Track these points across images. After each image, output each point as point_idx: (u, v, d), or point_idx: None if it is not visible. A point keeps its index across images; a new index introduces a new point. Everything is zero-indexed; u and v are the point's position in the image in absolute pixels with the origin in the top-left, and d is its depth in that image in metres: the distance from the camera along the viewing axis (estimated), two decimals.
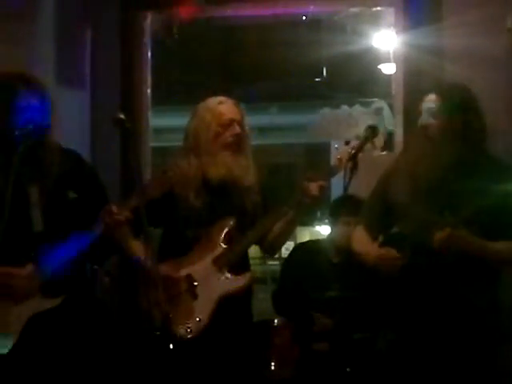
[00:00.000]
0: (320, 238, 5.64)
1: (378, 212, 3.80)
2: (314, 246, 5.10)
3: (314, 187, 3.85)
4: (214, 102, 4.07)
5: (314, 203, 3.90)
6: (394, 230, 3.80)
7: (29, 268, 3.46)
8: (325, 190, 3.89)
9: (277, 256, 6.20)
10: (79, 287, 3.63)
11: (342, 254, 4.74)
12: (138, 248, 3.80)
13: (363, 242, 3.81)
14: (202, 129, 4.02)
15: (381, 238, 3.82)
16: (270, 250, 4.21)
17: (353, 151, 3.82)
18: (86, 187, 3.66)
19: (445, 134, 3.53)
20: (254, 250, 4.12)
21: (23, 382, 3.45)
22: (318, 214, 5.26)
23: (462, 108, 3.56)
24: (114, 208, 3.52)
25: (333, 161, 3.94)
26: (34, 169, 3.54)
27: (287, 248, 5.58)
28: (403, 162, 3.71)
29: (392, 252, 3.55)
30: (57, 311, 3.50)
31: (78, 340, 3.55)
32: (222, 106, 4.03)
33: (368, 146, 3.82)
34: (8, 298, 3.45)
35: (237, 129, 3.99)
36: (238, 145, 4.01)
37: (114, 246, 3.71)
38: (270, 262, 6.30)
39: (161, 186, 3.66)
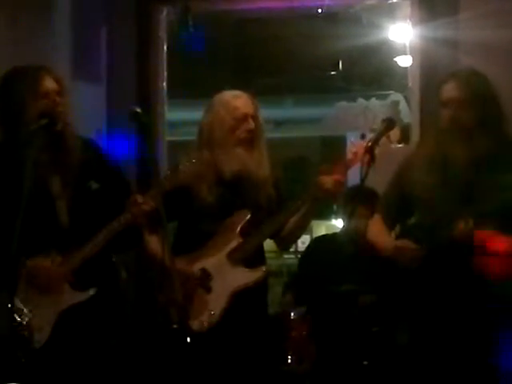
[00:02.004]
0: (336, 231, 5.64)
1: (396, 202, 3.79)
2: (332, 238, 5.10)
3: (328, 181, 3.84)
4: (228, 95, 4.06)
5: (329, 197, 3.89)
6: (411, 221, 3.79)
7: (55, 260, 3.49)
8: (341, 185, 3.87)
9: (292, 249, 6.21)
10: (107, 281, 3.66)
11: (357, 245, 4.73)
12: (154, 242, 3.80)
13: (380, 233, 3.79)
14: (217, 123, 4.00)
15: (397, 229, 3.81)
16: (285, 243, 4.21)
17: (369, 144, 3.80)
18: (108, 177, 3.69)
19: (472, 126, 3.50)
20: (269, 244, 4.12)
21: (56, 375, 3.48)
22: (335, 207, 5.23)
23: (483, 96, 3.53)
24: (140, 198, 3.55)
25: (348, 155, 3.93)
26: (54, 160, 3.57)
27: (303, 241, 5.58)
28: (424, 153, 3.67)
29: (409, 244, 3.53)
30: (88, 305, 3.52)
31: (107, 334, 3.59)
32: (237, 100, 4.02)
33: (384, 139, 3.80)
34: (40, 291, 3.47)
35: (251, 124, 3.97)
36: (252, 140, 3.99)
37: (138, 236, 3.73)
38: (286, 256, 6.30)
39: (175, 180, 3.67)
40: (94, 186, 3.64)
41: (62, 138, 3.58)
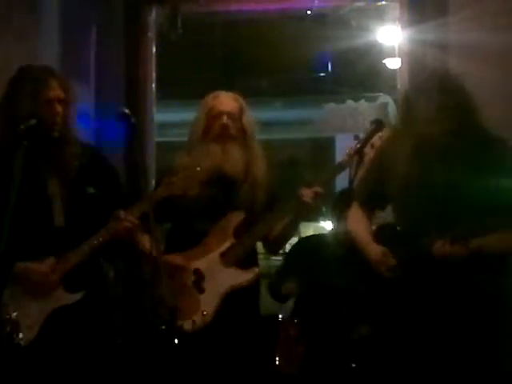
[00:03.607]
0: (322, 232, 5.64)
1: (375, 189, 3.78)
2: (317, 239, 5.10)
3: (308, 193, 3.84)
4: (209, 96, 4.08)
5: (308, 209, 3.90)
6: (388, 220, 3.80)
7: (50, 262, 3.49)
8: (319, 197, 3.88)
9: (281, 251, 6.20)
10: (96, 283, 3.66)
11: (345, 248, 4.73)
12: (145, 242, 3.79)
13: (359, 224, 3.79)
14: (194, 124, 4.04)
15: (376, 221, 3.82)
16: (273, 247, 4.21)
17: (358, 145, 3.81)
18: (105, 183, 3.69)
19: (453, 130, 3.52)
20: (257, 246, 4.12)
21: (41, 374, 3.48)
22: (323, 209, 5.24)
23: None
24: (122, 214, 3.56)
25: (342, 156, 3.93)
26: (52, 163, 3.57)
27: (291, 243, 5.57)
28: (405, 143, 3.66)
29: (389, 259, 3.54)
30: (76, 307, 3.52)
31: (93, 335, 3.58)
32: (215, 100, 4.03)
33: (376, 138, 3.81)
34: (29, 293, 3.47)
35: (224, 120, 3.97)
36: (227, 136, 3.98)
37: (125, 247, 3.74)
38: (274, 258, 6.30)
39: (169, 189, 3.68)
40: (91, 190, 3.64)
41: (60, 144, 3.58)
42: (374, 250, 3.62)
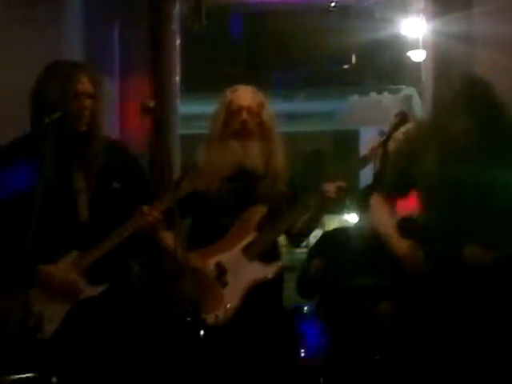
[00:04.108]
0: (346, 225, 5.64)
1: (397, 178, 3.76)
2: (341, 233, 5.09)
3: (331, 188, 3.85)
4: (229, 90, 4.07)
5: (332, 204, 3.91)
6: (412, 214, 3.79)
7: (71, 257, 3.52)
8: (343, 191, 3.88)
9: (305, 244, 6.21)
10: (121, 276, 3.68)
11: (370, 241, 4.73)
12: (168, 239, 3.80)
13: (383, 216, 3.78)
14: (214, 119, 4.04)
15: (397, 215, 3.81)
16: (296, 240, 4.21)
17: (383, 138, 3.81)
18: (131, 180, 3.69)
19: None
20: (280, 239, 4.12)
21: (63, 367, 3.50)
22: (348, 202, 5.23)
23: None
24: (146, 209, 3.57)
25: (365, 150, 3.92)
26: (78, 157, 3.58)
27: (315, 236, 5.58)
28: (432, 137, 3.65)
29: (417, 254, 3.54)
30: (99, 299, 3.55)
31: (117, 328, 3.60)
32: (234, 94, 4.02)
33: (400, 131, 3.81)
34: (52, 293, 3.51)
35: (244, 115, 3.96)
36: (247, 132, 3.98)
37: (149, 241, 3.76)
38: (299, 251, 6.30)
39: (192, 184, 3.69)
40: (116, 185, 3.65)
41: (86, 138, 3.59)
42: (401, 244, 3.61)
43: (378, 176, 3.90)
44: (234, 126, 3.96)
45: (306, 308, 4.74)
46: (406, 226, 3.69)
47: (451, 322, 3.50)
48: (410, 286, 3.61)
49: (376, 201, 3.84)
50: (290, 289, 4.32)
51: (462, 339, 3.48)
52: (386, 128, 3.91)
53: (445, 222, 3.50)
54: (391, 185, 3.79)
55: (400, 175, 3.74)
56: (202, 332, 3.48)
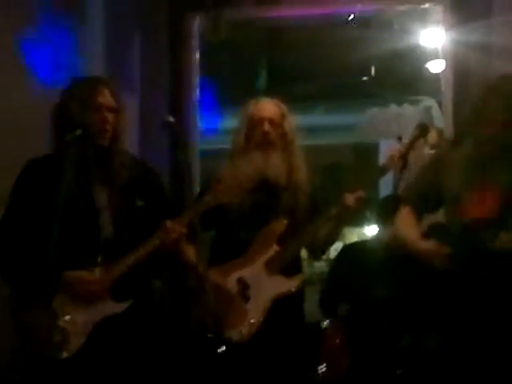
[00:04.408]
0: (367, 238, 5.63)
1: (427, 195, 3.73)
2: (362, 246, 5.08)
3: (350, 198, 3.84)
4: (250, 103, 4.08)
5: (352, 214, 3.90)
6: (438, 219, 3.76)
7: (97, 273, 3.52)
8: (362, 201, 3.87)
9: (325, 257, 6.20)
10: (143, 293, 3.68)
11: (390, 253, 4.71)
12: (190, 253, 3.81)
13: (408, 226, 3.74)
14: (236, 131, 4.05)
15: (425, 224, 3.78)
16: (317, 252, 4.21)
17: (403, 150, 3.81)
18: (153, 197, 3.69)
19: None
20: (302, 252, 4.12)
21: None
22: (367, 214, 5.23)
23: None
24: (170, 224, 3.56)
25: (384, 159, 3.92)
26: (101, 173, 3.59)
27: (336, 249, 5.58)
28: (465, 155, 3.62)
29: (443, 249, 3.50)
30: (123, 316, 3.54)
31: (141, 345, 3.59)
32: (255, 107, 4.03)
33: (421, 142, 3.80)
34: (78, 302, 3.50)
35: (266, 127, 3.96)
36: (269, 143, 3.98)
37: (171, 258, 3.76)
38: (318, 264, 6.30)
39: (215, 198, 3.69)
40: (139, 203, 3.65)
41: (109, 153, 3.60)
42: (425, 243, 3.58)
43: (397, 187, 3.87)
44: (256, 137, 3.97)
45: (326, 323, 4.72)
46: (435, 231, 3.65)
47: (476, 332, 3.46)
48: (429, 297, 3.59)
49: (402, 213, 3.82)
50: (310, 302, 4.30)
51: (491, 350, 3.44)
52: (406, 139, 3.91)
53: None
54: (419, 199, 3.78)
55: (429, 187, 3.72)
56: (220, 349, 3.48)
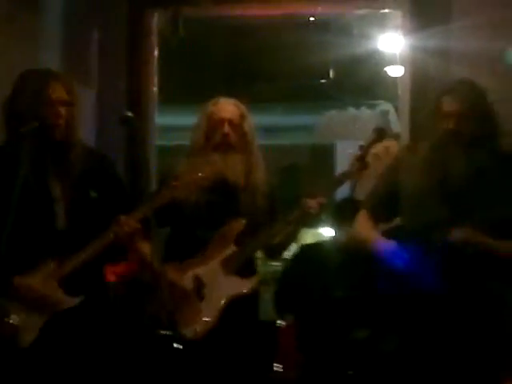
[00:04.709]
0: (323, 239, 5.64)
1: (385, 199, 3.76)
2: (318, 247, 5.10)
3: (312, 204, 3.85)
4: (210, 102, 4.07)
5: (313, 219, 3.91)
6: (396, 223, 3.79)
7: (49, 267, 3.48)
8: (323, 207, 3.89)
9: (281, 257, 6.20)
10: (97, 287, 3.64)
11: (346, 254, 4.73)
12: (145, 249, 3.78)
13: (367, 226, 3.77)
14: (195, 130, 4.04)
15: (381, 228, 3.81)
16: (273, 254, 4.23)
17: (360, 153, 3.82)
18: (108, 187, 3.67)
19: (470, 138, 3.51)
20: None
21: (38, 378, 3.46)
22: (323, 216, 5.25)
23: (482, 109, 3.54)
24: (124, 219, 3.54)
25: (343, 163, 3.94)
26: (56, 165, 3.55)
27: (290, 250, 5.58)
28: (421, 157, 3.64)
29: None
30: (75, 311, 3.51)
31: (93, 340, 3.56)
32: (214, 106, 4.02)
33: (383, 151, 3.82)
34: (28, 304, 3.47)
35: (226, 129, 3.96)
36: (228, 145, 3.98)
37: (125, 251, 3.73)
38: (274, 263, 6.31)
39: (171, 194, 3.67)
40: (94, 194, 3.62)
41: (63, 148, 3.56)
42: (385, 242, 3.62)
43: (354, 190, 3.89)
44: (215, 138, 3.96)
45: (280, 322, 4.72)
46: (393, 233, 3.67)
47: (430, 330, 3.49)
48: (384, 297, 3.61)
49: (361, 216, 3.83)
50: (263, 300, 4.30)
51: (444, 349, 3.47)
52: (363, 142, 3.92)
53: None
54: (377, 204, 3.79)
55: (387, 196, 3.74)
56: (175, 345, 3.46)
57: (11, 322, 3.42)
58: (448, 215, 3.45)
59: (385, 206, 3.76)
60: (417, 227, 3.55)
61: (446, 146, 3.54)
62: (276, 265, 6.20)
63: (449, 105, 3.54)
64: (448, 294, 3.45)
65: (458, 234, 3.41)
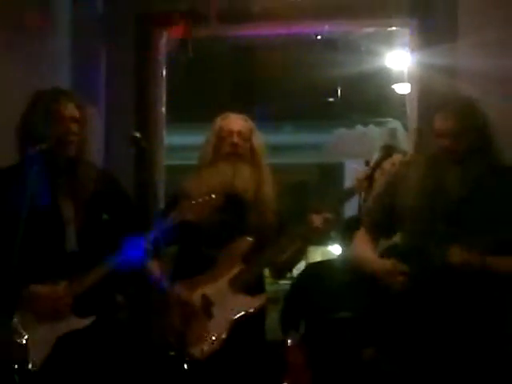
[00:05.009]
0: (332, 257, 5.62)
1: (383, 217, 3.74)
2: (325, 265, 5.08)
3: (318, 220, 3.85)
4: (219, 117, 4.11)
5: (318, 235, 3.90)
6: (396, 239, 3.77)
7: (61, 287, 3.47)
8: (329, 222, 3.88)
9: (289, 275, 6.18)
10: (106, 309, 3.63)
11: (353, 273, 4.71)
12: (154, 268, 3.78)
13: (365, 248, 3.75)
14: (204, 146, 4.06)
15: (381, 247, 3.79)
16: (280, 273, 4.21)
17: (368, 171, 3.82)
18: (119, 210, 3.67)
19: (465, 155, 3.51)
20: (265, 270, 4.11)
21: None
22: (332, 234, 5.24)
23: (477, 126, 3.54)
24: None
25: (351, 181, 3.93)
26: (68, 185, 3.55)
27: (298, 268, 5.57)
28: (416, 175, 3.64)
29: (396, 265, 3.51)
30: (86, 332, 3.50)
31: (103, 361, 3.55)
32: (224, 121, 4.05)
33: (389, 166, 3.82)
34: (40, 317, 3.45)
35: (235, 138, 3.98)
36: (237, 155, 3.99)
37: (136, 273, 3.72)
38: (282, 282, 6.30)
39: (182, 215, 3.66)
40: (105, 217, 3.62)
41: (74, 165, 3.57)
42: (382, 263, 3.59)
43: (363, 208, 3.89)
44: (224, 148, 3.97)
45: (289, 341, 4.71)
46: (391, 251, 3.66)
47: (435, 348, 3.47)
48: (391, 315, 3.59)
49: (359, 235, 3.83)
50: (272, 319, 4.30)
51: (449, 363, 3.45)
52: (371, 160, 3.92)
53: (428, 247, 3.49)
54: (375, 221, 3.79)
55: (382, 212, 3.73)
56: (185, 365, 3.45)
57: (22, 342, 3.42)
58: (445, 232, 3.44)
59: (383, 223, 3.75)
60: (414, 245, 3.54)
61: (440, 163, 3.54)
62: (286, 283, 6.19)
63: (442, 123, 3.54)
64: (448, 315, 3.43)
65: (455, 256, 3.39)
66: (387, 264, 3.54)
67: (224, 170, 3.95)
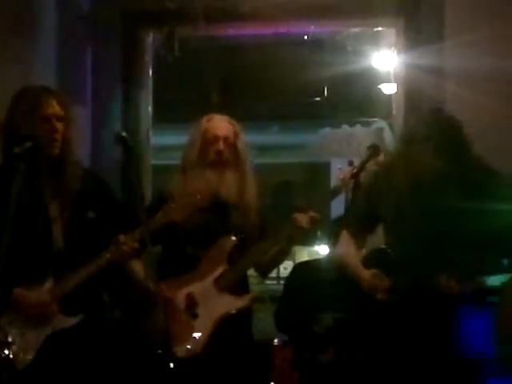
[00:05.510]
0: (319, 257, 5.63)
1: (365, 217, 3.77)
2: (315, 265, 5.08)
3: (303, 219, 3.85)
4: (203, 119, 4.08)
5: (303, 235, 3.90)
6: (377, 247, 3.79)
7: (48, 286, 3.46)
8: (314, 222, 3.88)
9: (274, 275, 6.19)
10: (93, 307, 3.63)
11: (341, 273, 4.71)
12: (139, 267, 3.78)
13: (347, 250, 3.78)
14: (189, 147, 4.04)
15: (368, 248, 3.81)
16: (265, 270, 4.21)
17: (354, 170, 3.83)
18: (105, 209, 3.66)
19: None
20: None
21: None
22: (318, 233, 5.24)
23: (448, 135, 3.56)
24: (122, 238, 3.52)
25: (335, 181, 3.94)
26: (53, 184, 3.54)
27: (285, 267, 5.57)
28: (394, 177, 3.65)
29: (382, 281, 3.53)
30: (73, 330, 3.49)
31: (87, 361, 3.55)
32: (209, 123, 4.04)
33: (371, 164, 3.83)
34: (27, 319, 3.45)
35: (220, 146, 3.97)
36: (222, 162, 3.99)
37: (122, 271, 3.72)
38: (268, 282, 6.30)
39: (168, 216, 3.66)
40: (91, 215, 3.61)
41: (60, 164, 3.56)
42: (365, 273, 3.61)
43: (349, 208, 3.89)
44: (209, 155, 3.97)
45: (276, 341, 4.70)
46: (375, 256, 3.68)
47: (418, 348, 3.51)
48: (378, 315, 3.60)
49: (342, 236, 3.84)
50: (259, 319, 4.30)
51: (427, 365, 3.49)
52: (357, 159, 3.93)
53: (413, 252, 3.50)
54: (359, 220, 3.79)
55: (368, 211, 3.74)
56: (171, 364, 3.45)
57: (9, 340, 3.41)
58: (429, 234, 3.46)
59: (365, 223, 3.78)
60: (400, 255, 3.55)
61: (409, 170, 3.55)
62: (272, 283, 6.20)
63: (408, 132, 3.59)
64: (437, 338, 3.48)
65: (442, 283, 3.41)
66: (370, 276, 3.57)
67: (209, 177, 3.95)
